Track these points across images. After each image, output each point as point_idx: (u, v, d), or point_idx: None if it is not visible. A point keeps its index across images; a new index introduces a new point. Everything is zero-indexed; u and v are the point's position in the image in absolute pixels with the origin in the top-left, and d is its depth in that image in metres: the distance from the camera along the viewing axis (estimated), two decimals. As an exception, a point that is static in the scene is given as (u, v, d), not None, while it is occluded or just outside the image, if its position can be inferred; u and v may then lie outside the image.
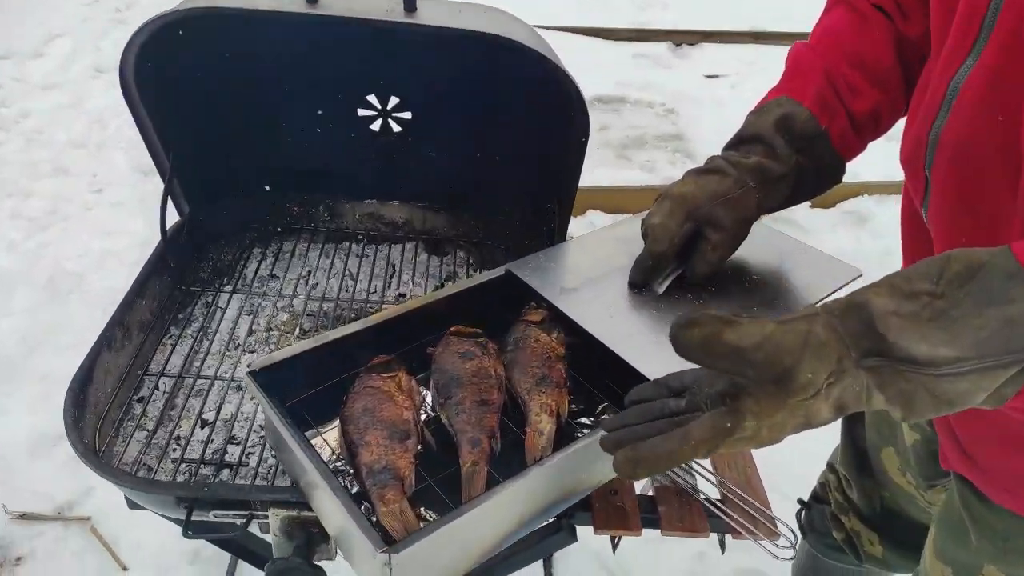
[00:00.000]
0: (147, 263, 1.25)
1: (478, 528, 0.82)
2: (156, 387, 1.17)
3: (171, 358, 1.22)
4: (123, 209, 3.00)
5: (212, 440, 1.10)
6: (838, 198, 3.13)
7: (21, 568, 1.82)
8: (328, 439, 0.98)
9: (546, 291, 1.05)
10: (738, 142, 0.99)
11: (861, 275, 1.08)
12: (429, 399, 1.02)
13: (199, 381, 1.18)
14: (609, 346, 0.94)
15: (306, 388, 0.98)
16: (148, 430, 1.10)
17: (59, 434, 2.22)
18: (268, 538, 0.99)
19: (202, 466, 1.04)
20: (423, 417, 0.98)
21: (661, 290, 1.04)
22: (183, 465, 1.05)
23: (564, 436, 0.97)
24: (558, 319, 1.04)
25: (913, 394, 0.51)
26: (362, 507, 0.90)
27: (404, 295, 1.41)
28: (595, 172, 3.26)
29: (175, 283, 1.32)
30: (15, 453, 2.05)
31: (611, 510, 1.01)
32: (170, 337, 1.25)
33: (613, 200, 2.98)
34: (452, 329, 1.06)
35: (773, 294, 1.08)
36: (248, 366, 0.93)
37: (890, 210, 3.09)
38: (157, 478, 1.03)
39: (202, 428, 1.12)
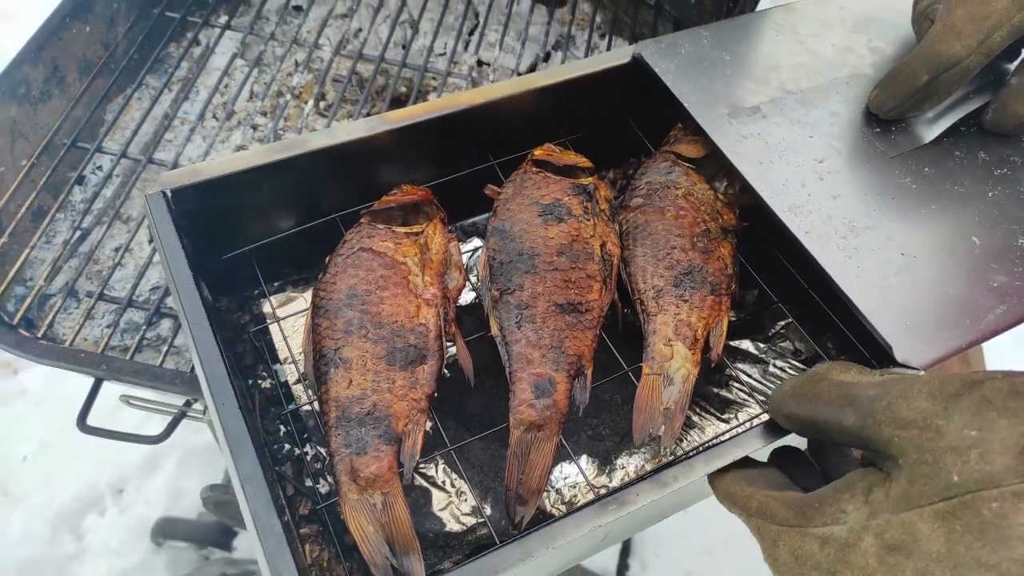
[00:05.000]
0: (94, -35, 0.80)
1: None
2: (97, 166, 0.78)
3: (121, 120, 0.81)
4: None
5: (158, 261, 0.72)
6: None
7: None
8: (289, 331, 0.58)
9: (700, 108, 0.55)
10: None
11: None
12: (474, 279, 0.58)
13: (153, 168, 0.77)
14: (810, 249, 0.48)
15: (263, 232, 0.56)
16: (83, 228, 0.73)
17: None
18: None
19: (129, 310, 0.68)
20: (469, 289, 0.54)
21: (930, 135, 0.54)
22: (101, 304, 0.69)
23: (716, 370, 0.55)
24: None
25: None
26: (318, 482, 0.53)
27: (485, 64, 0.91)
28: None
29: (147, 2, 0.87)
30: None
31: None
32: (136, 86, 0.83)
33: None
34: (537, 153, 0.58)
35: None
36: (149, 182, 0.51)
37: None
38: (66, 311, 0.68)
39: (150, 242, 0.74)
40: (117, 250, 0.73)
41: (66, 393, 1.57)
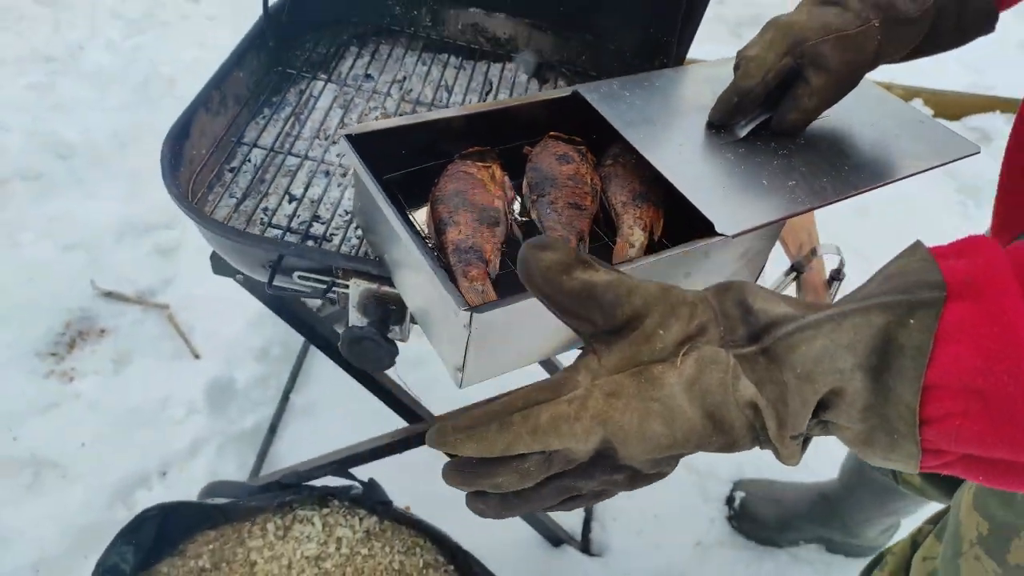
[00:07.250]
0: (246, 37, 1.23)
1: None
2: (248, 159, 1.17)
3: (263, 134, 1.21)
4: (218, 22, 2.98)
5: (298, 215, 1.10)
6: (965, 110, 2.86)
7: (104, 340, 1.94)
8: (417, 219, 0.96)
9: (614, 118, 0.95)
10: None
11: (979, 151, 0.94)
12: (519, 204, 0.99)
13: (289, 159, 1.17)
14: (674, 183, 0.87)
15: (398, 167, 0.96)
16: (237, 197, 1.11)
17: (146, 225, 2.30)
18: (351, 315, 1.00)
19: (288, 234, 1.05)
20: (515, 209, 0.95)
21: (742, 133, 0.96)
22: (269, 230, 1.06)
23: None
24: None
25: (785, 387, 0.44)
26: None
27: (498, 113, 1.35)
28: (704, 47, 3.05)
29: (272, 63, 1.29)
30: (103, 236, 2.14)
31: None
32: (263, 116, 1.24)
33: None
34: (551, 133, 1.01)
35: (869, 158, 0.97)
36: (342, 129, 0.91)
37: (1018, 130, 2.82)
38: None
39: (289, 203, 1.12)
40: (266, 210, 1.11)
41: (117, 398, 1.85)
